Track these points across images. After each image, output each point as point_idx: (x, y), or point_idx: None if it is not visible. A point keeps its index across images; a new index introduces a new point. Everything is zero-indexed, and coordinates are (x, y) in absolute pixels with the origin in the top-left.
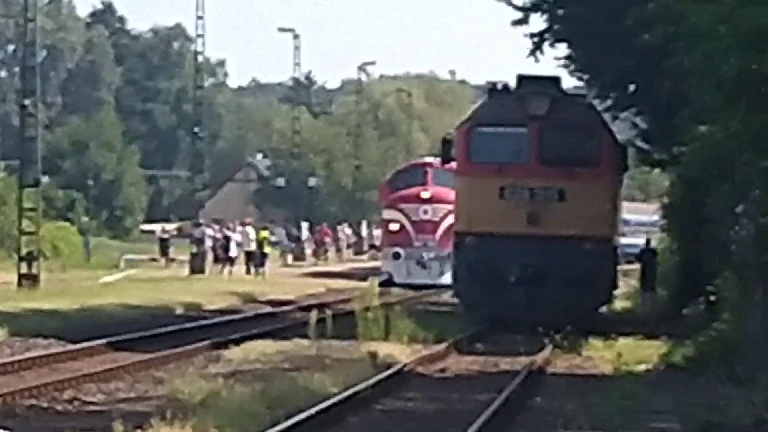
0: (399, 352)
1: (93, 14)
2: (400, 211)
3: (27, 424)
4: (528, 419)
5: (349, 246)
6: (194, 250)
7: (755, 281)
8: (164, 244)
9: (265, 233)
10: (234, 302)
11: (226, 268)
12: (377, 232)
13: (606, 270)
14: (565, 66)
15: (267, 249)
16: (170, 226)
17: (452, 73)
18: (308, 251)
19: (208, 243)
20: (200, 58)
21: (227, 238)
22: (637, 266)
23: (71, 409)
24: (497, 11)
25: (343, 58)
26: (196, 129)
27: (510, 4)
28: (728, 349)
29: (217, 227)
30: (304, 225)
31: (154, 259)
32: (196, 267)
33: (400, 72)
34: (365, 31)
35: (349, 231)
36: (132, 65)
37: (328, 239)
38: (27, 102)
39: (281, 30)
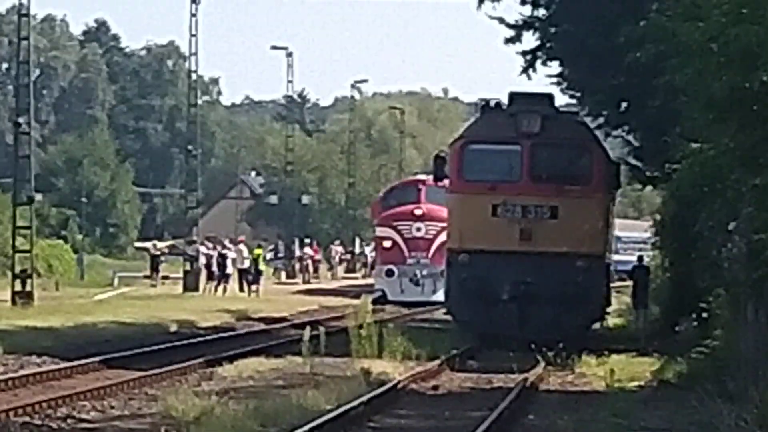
0: (392, 370)
1: (86, 32)
2: (393, 228)
3: None
4: None
5: (340, 263)
6: (188, 267)
7: (747, 299)
8: (155, 262)
9: (259, 251)
10: (227, 320)
11: (221, 286)
12: (367, 249)
13: (598, 287)
14: (558, 84)
15: (262, 266)
16: (161, 244)
17: (445, 90)
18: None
19: (202, 260)
20: (194, 76)
21: (223, 256)
22: (629, 283)
23: (65, 426)
24: (490, 29)
25: (336, 76)
26: (189, 147)
27: (502, 21)
28: (720, 367)
29: (210, 245)
30: (306, 241)
31: (147, 277)
32: (190, 284)
33: (392, 90)
34: (358, 49)
35: (340, 248)
36: (125, 83)
37: (317, 256)
38: (21, 120)
39: (274, 48)
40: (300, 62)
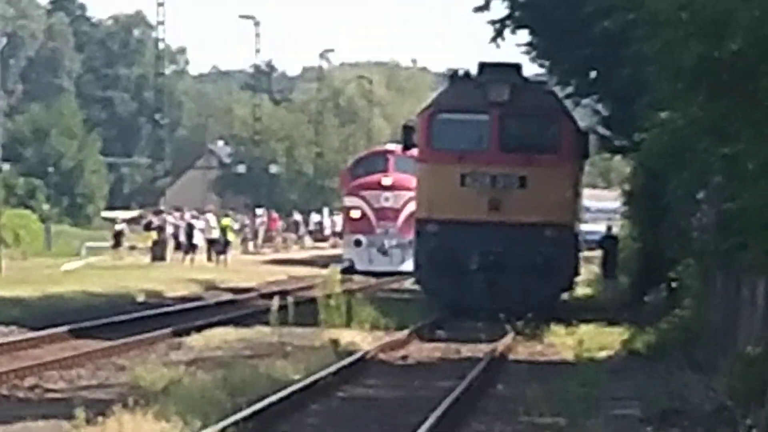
0: (361, 340)
1: (53, 1)
2: (362, 198)
3: None
4: (490, 406)
5: (300, 237)
6: (155, 237)
7: (716, 268)
8: (118, 238)
9: (227, 221)
10: (195, 290)
11: (188, 256)
12: (329, 219)
13: (567, 257)
14: (527, 53)
15: (231, 236)
16: (123, 215)
17: (413, 60)
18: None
19: (170, 230)
20: (161, 46)
21: (191, 226)
22: (598, 253)
23: (33, 396)
24: None
25: (304, 46)
26: (157, 116)
27: None
28: (689, 336)
29: (177, 214)
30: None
31: (114, 247)
32: (158, 254)
33: (361, 59)
34: (326, 18)
35: (300, 219)
36: (93, 52)
37: (276, 226)
38: None
39: (242, 17)
40: (268, 31)
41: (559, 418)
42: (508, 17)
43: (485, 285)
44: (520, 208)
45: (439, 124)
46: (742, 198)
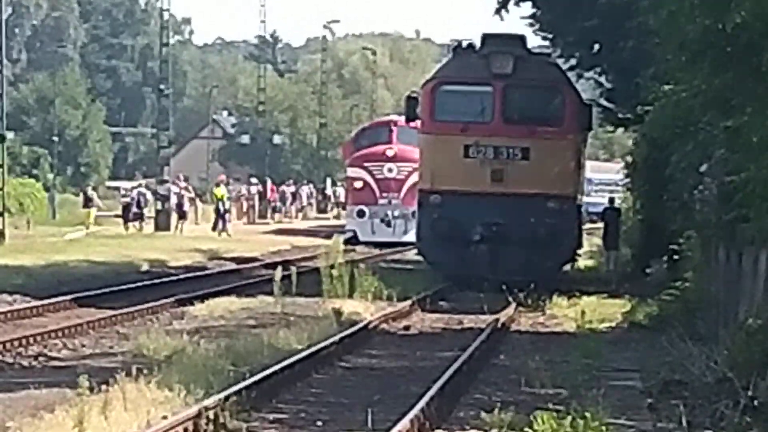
0: (363, 310)
1: None
2: (365, 169)
3: None
4: (491, 376)
5: (302, 209)
6: (159, 207)
7: (718, 241)
8: (127, 210)
9: (222, 191)
10: (199, 259)
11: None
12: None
13: (570, 228)
14: (530, 25)
15: (227, 206)
16: (129, 185)
17: (417, 31)
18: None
19: (174, 200)
20: (166, 15)
21: (180, 195)
22: (600, 225)
23: (37, 364)
24: None
25: (308, 16)
26: (161, 86)
27: None
28: (691, 308)
29: (183, 184)
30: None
31: (119, 216)
32: (161, 224)
33: (364, 30)
34: None
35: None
36: (97, 22)
37: (274, 196)
38: None
39: None
40: (272, 2)
41: (560, 389)
42: None
43: (488, 256)
44: (523, 179)
45: (443, 95)
46: (744, 170)
